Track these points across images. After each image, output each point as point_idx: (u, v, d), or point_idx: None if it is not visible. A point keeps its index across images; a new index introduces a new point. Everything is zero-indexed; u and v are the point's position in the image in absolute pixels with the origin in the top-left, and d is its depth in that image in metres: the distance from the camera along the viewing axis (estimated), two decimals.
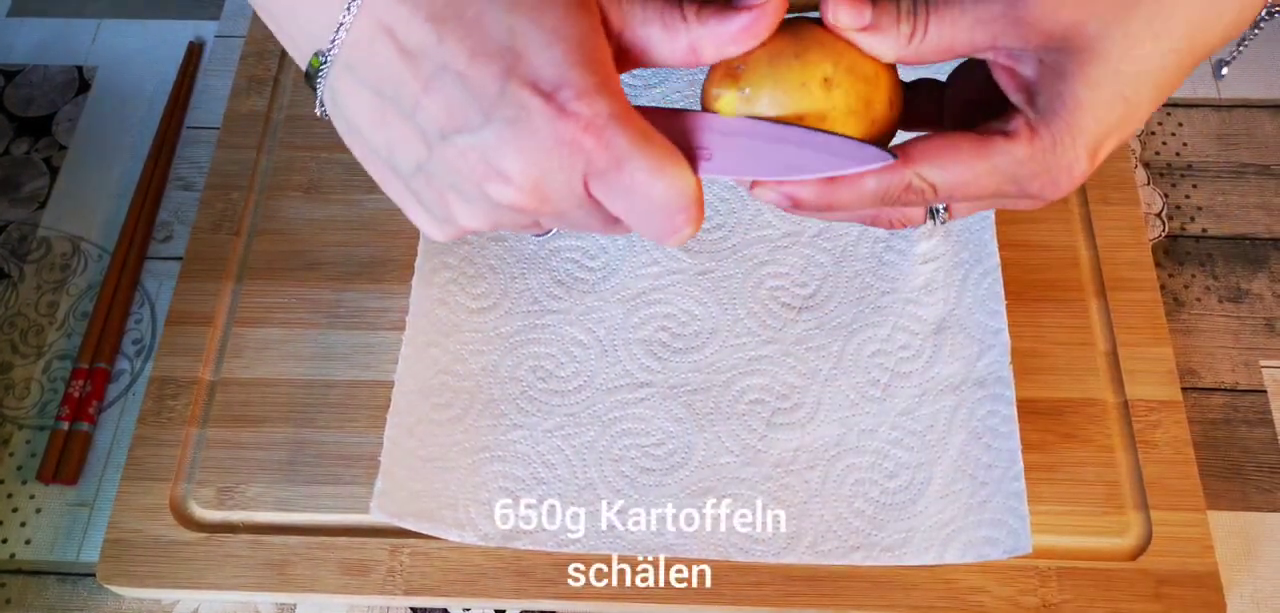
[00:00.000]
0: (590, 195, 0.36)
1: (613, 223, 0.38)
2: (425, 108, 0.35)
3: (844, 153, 0.37)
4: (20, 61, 0.69)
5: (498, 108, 0.34)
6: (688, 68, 0.38)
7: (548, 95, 0.34)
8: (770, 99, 0.37)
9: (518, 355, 0.54)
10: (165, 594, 0.51)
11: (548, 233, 0.42)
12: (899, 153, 0.38)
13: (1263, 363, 0.56)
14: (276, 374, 0.55)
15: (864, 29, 0.37)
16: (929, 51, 0.38)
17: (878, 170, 0.37)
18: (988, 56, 0.38)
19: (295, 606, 0.51)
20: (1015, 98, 0.38)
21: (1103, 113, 0.36)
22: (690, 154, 0.37)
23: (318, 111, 0.38)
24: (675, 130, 0.37)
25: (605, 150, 0.35)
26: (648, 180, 0.35)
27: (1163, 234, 0.60)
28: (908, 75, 0.41)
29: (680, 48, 0.37)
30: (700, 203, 0.37)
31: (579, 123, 0.34)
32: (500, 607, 0.50)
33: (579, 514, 0.51)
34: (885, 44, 0.37)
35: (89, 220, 0.62)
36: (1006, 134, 0.37)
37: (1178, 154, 0.63)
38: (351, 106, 0.36)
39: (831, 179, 0.38)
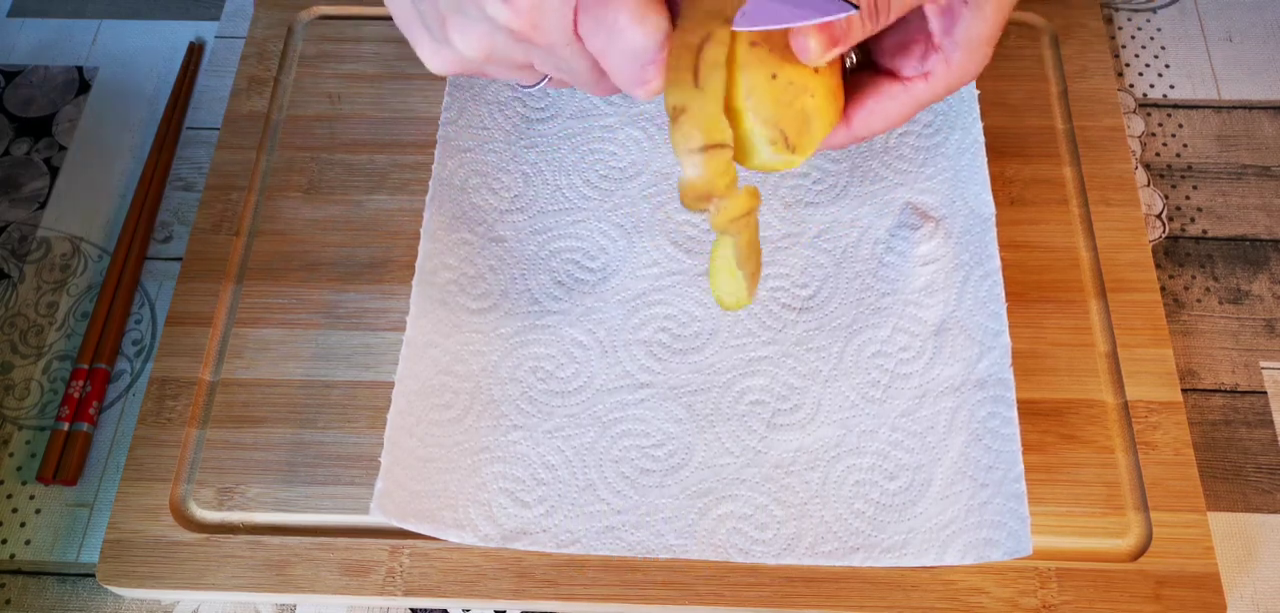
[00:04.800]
0: (578, 34, 0.38)
1: (598, 75, 0.40)
2: None
3: (815, 5, 0.39)
4: (20, 62, 0.69)
5: None
6: None
7: None
8: None
9: (518, 356, 0.54)
10: (165, 595, 0.51)
11: (535, 85, 0.44)
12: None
13: (1263, 364, 0.56)
14: (276, 375, 0.55)
15: (831, 51, 0.41)
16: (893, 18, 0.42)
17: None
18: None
19: (295, 606, 0.51)
20: (934, 26, 0.43)
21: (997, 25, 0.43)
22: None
23: None
24: None
25: None
26: (629, 23, 0.38)
27: (1163, 235, 0.60)
28: None
29: None
30: None
31: None
32: (500, 607, 0.50)
33: (579, 515, 0.51)
34: (854, 41, 0.41)
35: (89, 220, 0.62)
36: (924, 76, 0.44)
37: (1178, 155, 0.63)
38: None
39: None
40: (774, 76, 0.41)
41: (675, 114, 0.38)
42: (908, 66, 0.44)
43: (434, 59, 0.41)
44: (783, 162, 0.42)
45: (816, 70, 0.42)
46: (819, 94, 0.42)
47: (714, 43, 0.38)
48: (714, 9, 0.39)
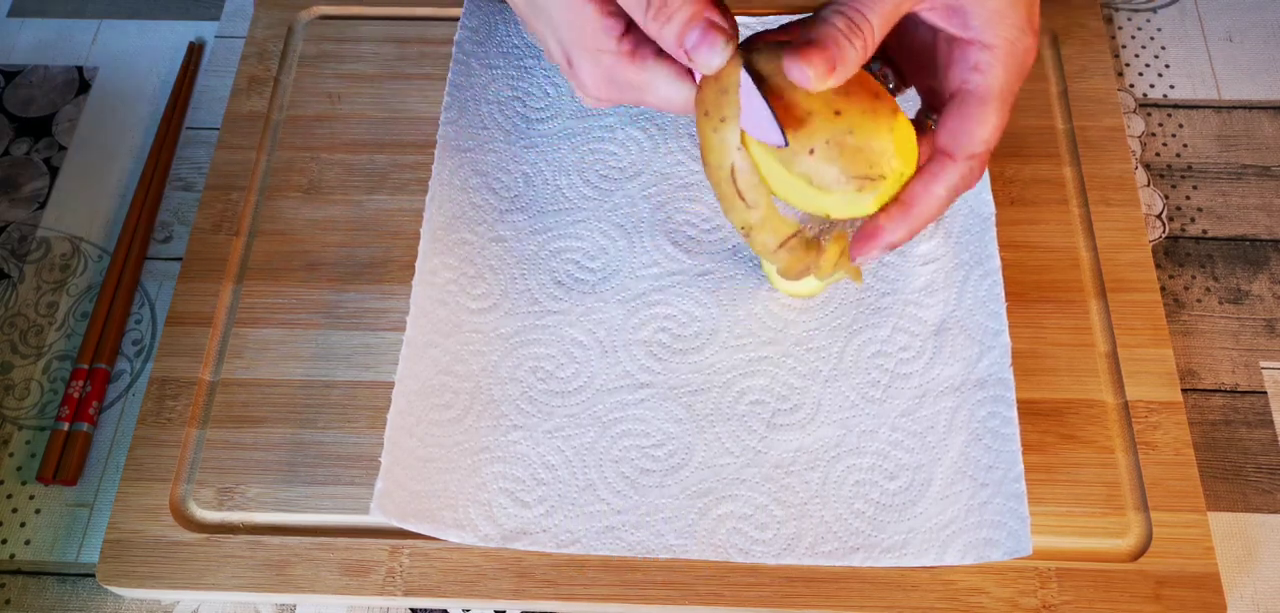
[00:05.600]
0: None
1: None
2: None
3: (765, 126, 0.42)
4: (20, 62, 0.69)
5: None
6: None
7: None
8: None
9: (518, 356, 0.54)
10: (165, 595, 0.51)
11: None
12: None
13: (1263, 364, 0.56)
14: (276, 375, 0.55)
15: (830, 76, 0.41)
16: (879, 40, 0.42)
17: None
18: (918, 9, 0.43)
19: (295, 606, 0.51)
20: (950, 28, 0.43)
21: None
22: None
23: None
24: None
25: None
26: (665, 81, 0.45)
27: (1163, 235, 0.60)
28: None
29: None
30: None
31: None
32: (500, 607, 0.50)
33: (579, 515, 0.51)
34: (848, 69, 0.41)
35: (89, 220, 0.62)
36: (976, 69, 0.43)
37: (1178, 156, 0.63)
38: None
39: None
40: (812, 152, 0.42)
41: (746, 233, 0.45)
42: (960, 77, 0.43)
43: (587, 99, 0.48)
44: (887, 186, 0.43)
45: (839, 112, 0.42)
46: (857, 122, 0.42)
47: (741, 169, 0.43)
48: (720, 133, 0.43)
